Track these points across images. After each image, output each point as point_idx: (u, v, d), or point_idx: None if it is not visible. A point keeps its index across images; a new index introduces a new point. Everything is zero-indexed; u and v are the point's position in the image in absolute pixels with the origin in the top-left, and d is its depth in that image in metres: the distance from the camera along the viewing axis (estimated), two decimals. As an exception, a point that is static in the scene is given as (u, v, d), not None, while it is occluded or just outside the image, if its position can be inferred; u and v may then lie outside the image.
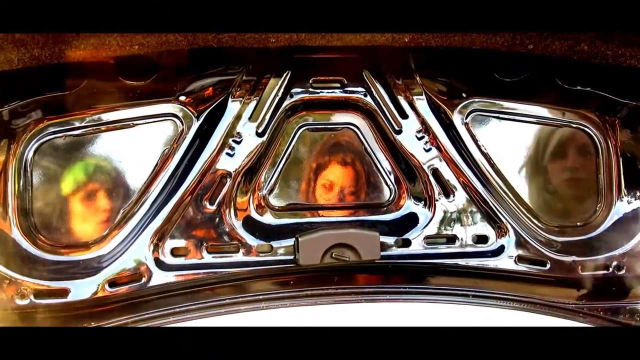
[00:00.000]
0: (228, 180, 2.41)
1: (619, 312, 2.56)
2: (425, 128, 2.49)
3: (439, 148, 2.50)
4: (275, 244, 2.44)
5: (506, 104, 2.55)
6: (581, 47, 2.35)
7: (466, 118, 2.51)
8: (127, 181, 2.38)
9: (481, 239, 2.55)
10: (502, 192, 2.54)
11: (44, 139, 2.30)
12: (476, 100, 2.53)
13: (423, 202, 2.53)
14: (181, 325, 2.33)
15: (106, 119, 2.35)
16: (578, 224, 2.62)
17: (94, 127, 2.34)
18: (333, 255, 2.37)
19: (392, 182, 2.53)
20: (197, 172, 2.38)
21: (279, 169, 2.48)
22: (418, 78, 2.48)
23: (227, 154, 2.40)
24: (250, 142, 2.41)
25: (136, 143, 2.38)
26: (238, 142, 2.40)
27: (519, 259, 2.54)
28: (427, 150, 2.50)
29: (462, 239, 2.53)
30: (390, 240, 2.50)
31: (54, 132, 2.31)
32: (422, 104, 2.48)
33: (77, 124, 2.33)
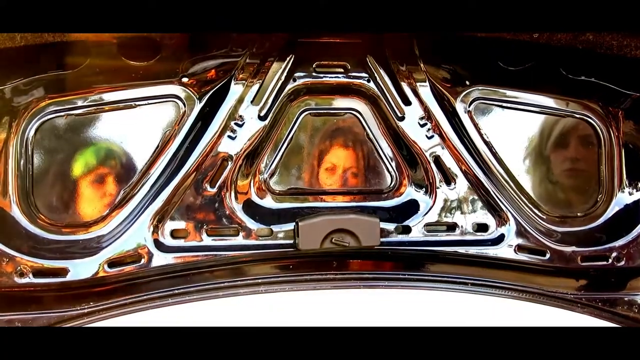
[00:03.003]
0: (229, 163, 2.40)
1: (617, 303, 2.55)
2: (428, 115, 2.48)
3: (441, 135, 2.49)
4: (275, 228, 2.44)
5: (509, 93, 2.54)
6: (586, 37, 2.33)
7: (469, 106, 2.50)
8: (128, 162, 2.38)
9: (481, 227, 2.54)
10: (503, 181, 2.53)
11: (46, 118, 2.29)
12: (479, 88, 2.52)
13: (424, 189, 2.52)
14: (180, 324, 2.34)
15: (108, 99, 2.34)
16: (579, 214, 2.62)
17: (96, 107, 2.33)
18: (333, 241, 2.37)
19: (393, 169, 2.53)
20: (199, 155, 2.37)
21: (280, 153, 2.47)
22: (422, 65, 2.46)
23: (229, 136, 2.39)
24: (252, 125, 2.40)
25: (138, 124, 2.37)
26: (240, 125, 2.39)
27: (519, 248, 2.53)
28: (430, 138, 2.49)
29: (462, 226, 2.52)
30: (390, 226, 2.49)
31: (56, 111, 2.30)
32: (425, 91, 2.47)
33: (79, 104, 2.32)
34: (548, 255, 2.54)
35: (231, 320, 2.38)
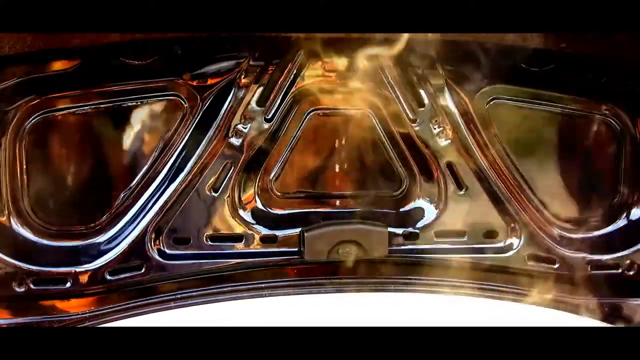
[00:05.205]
0: (233, 166, 2.31)
1: (626, 309, 2.52)
2: (442, 118, 2.36)
3: (454, 139, 2.38)
4: (280, 233, 2.38)
5: (528, 96, 2.41)
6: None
7: (485, 110, 2.38)
8: (127, 165, 2.28)
9: (491, 234, 2.47)
10: (516, 187, 2.44)
11: (40, 120, 2.16)
12: (498, 91, 2.38)
13: (435, 194, 2.43)
14: (183, 321, 2.32)
15: (106, 99, 2.21)
16: (593, 222, 2.54)
17: (94, 108, 2.20)
18: (339, 252, 2.31)
19: (404, 173, 2.43)
20: (202, 158, 2.28)
21: (286, 156, 2.37)
22: (438, 65, 2.32)
23: (233, 139, 2.28)
24: (257, 127, 2.30)
25: (138, 126, 2.26)
26: (245, 127, 2.28)
27: (529, 256, 2.48)
28: (443, 141, 2.38)
29: (471, 233, 2.46)
30: (398, 231, 2.43)
31: (51, 112, 2.17)
32: (440, 93, 2.34)
33: (76, 103, 2.19)
34: (558, 264, 2.49)
35: (234, 322, 2.35)
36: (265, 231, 2.37)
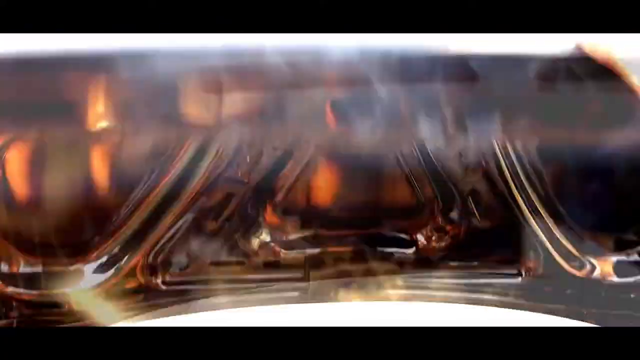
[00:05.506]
0: (235, 192, 2.14)
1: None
2: (474, 146, 2.12)
3: (482, 167, 2.18)
4: (284, 257, 2.25)
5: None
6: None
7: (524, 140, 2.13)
8: (118, 189, 2.09)
9: (507, 261, 2.33)
10: (544, 217, 2.25)
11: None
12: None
13: (453, 222, 2.28)
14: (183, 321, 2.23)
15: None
16: (613, 242, 2.38)
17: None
18: (346, 288, 2.22)
19: (422, 198, 2.25)
20: (201, 184, 2.09)
21: (294, 180, 2.18)
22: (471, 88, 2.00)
23: (235, 162, 2.10)
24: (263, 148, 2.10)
25: (130, 145, 2.04)
26: (249, 149, 2.08)
27: (544, 282, 2.36)
28: (469, 168, 2.18)
29: (486, 261, 2.33)
30: (411, 256, 2.31)
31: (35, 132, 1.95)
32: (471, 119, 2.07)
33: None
34: (572, 290, 2.37)
35: (235, 322, 2.31)
36: (270, 254, 2.25)
